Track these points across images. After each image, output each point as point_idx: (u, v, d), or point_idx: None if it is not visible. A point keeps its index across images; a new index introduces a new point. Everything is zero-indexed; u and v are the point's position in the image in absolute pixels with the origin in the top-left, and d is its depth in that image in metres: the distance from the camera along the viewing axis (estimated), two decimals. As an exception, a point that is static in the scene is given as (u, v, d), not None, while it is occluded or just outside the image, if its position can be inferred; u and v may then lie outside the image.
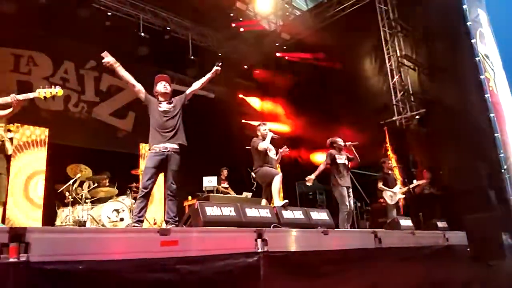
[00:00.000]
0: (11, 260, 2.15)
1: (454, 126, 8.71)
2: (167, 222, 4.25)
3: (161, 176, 4.52)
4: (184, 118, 11.25)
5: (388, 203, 7.83)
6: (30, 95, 3.81)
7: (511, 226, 7.61)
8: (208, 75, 4.80)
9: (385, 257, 4.93)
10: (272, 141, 6.10)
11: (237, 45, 12.54)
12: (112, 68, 4.39)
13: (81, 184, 7.43)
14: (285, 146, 6.33)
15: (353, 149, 6.92)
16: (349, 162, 6.91)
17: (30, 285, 2.19)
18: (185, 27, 11.48)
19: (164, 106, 4.50)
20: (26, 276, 2.18)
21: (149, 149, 4.38)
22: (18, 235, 2.21)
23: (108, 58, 4.35)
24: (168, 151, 4.30)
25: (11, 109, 3.77)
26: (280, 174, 5.79)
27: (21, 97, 3.70)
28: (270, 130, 6.14)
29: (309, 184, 6.75)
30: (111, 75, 10.44)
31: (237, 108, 13.20)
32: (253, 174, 6.21)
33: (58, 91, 3.92)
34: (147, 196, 4.26)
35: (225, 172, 9.62)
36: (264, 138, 6.04)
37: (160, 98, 4.58)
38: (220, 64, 4.79)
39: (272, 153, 6.06)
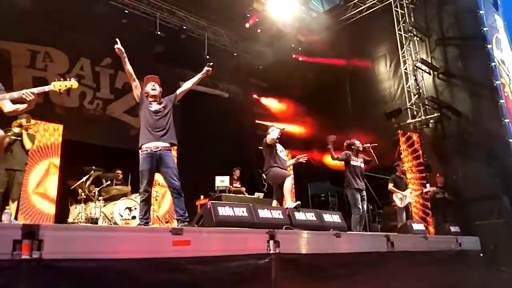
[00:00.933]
0: (24, 257, 2.14)
1: (468, 130, 8.63)
2: (178, 220, 4.25)
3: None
4: (197, 117, 11.34)
5: (398, 206, 7.76)
6: (45, 88, 3.80)
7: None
8: (199, 75, 4.83)
9: (397, 261, 4.88)
10: (284, 143, 6.07)
11: (253, 46, 12.54)
12: (122, 55, 4.47)
13: (94, 182, 7.48)
14: (305, 155, 6.30)
15: (372, 151, 6.85)
16: (365, 165, 6.85)
17: (42, 283, 2.19)
18: (202, 27, 11.54)
19: (155, 106, 4.52)
20: (38, 273, 2.17)
21: (140, 149, 4.36)
22: (31, 232, 2.20)
23: (119, 45, 4.43)
24: (159, 150, 4.29)
25: (25, 105, 3.73)
26: (292, 175, 5.75)
27: (35, 90, 3.68)
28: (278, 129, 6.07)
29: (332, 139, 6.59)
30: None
31: (250, 109, 13.22)
32: (264, 175, 6.17)
33: (73, 83, 3.89)
34: (149, 199, 4.37)
35: (237, 172, 9.63)
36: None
37: (150, 99, 4.59)
38: (211, 64, 4.77)
39: (283, 154, 6.02)
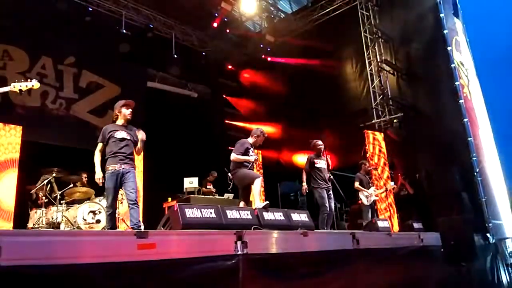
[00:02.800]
0: (-18, 264, 2.08)
1: (429, 130, 8.92)
2: (132, 228, 4.34)
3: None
4: (166, 117, 11.19)
5: (363, 204, 7.94)
6: (5, 88, 3.64)
7: (483, 227, 7.83)
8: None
9: (362, 258, 4.99)
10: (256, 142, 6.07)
11: (222, 46, 12.52)
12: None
13: (57, 185, 7.21)
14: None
15: (328, 158, 7.01)
16: (329, 165, 6.97)
17: (2, 290, 2.13)
18: (169, 26, 11.39)
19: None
20: (-2, 280, 2.11)
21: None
22: (-13, 238, 2.14)
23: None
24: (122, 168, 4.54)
25: None
26: (261, 177, 5.73)
27: None
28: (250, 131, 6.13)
29: (304, 192, 6.78)
30: (91, 71, 10.31)
31: (220, 109, 13.18)
32: (230, 174, 6.12)
33: (34, 84, 3.78)
34: (114, 214, 4.69)
35: (213, 175, 9.55)
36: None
37: (119, 122, 4.80)
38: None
39: (251, 157, 5.97)
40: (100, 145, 4.70)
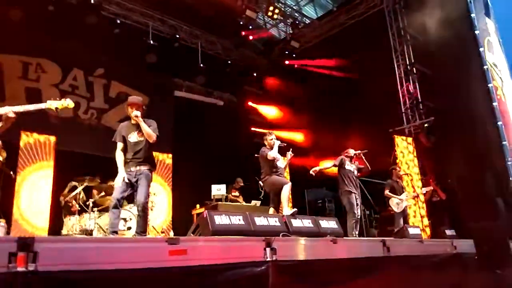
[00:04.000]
0: (19, 269, 2.14)
1: (461, 134, 8.67)
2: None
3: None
4: (192, 126, 11.34)
5: (395, 211, 7.77)
6: (41, 105, 3.77)
7: (519, 233, 7.53)
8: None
9: (393, 266, 4.87)
10: (280, 150, 6.09)
11: (247, 53, 12.60)
12: None
13: (89, 193, 7.42)
14: (290, 150, 6.31)
15: (363, 157, 6.89)
16: (359, 173, 6.89)
17: (38, 294, 2.18)
18: (195, 35, 11.57)
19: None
20: (33, 285, 2.17)
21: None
22: (26, 244, 2.21)
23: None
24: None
25: (0, 125, 3.56)
26: (289, 183, 5.77)
27: (31, 107, 3.64)
28: (277, 138, 6.14)
29: (312, 173, 6.61)
30: (120, 82, 10.58)
31: (246, 116, 13.23)
32: (260, 182, 6.19)
33: (69, 104, 3.91)
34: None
35: (239, 182, 9.59)
36: (271, 147, 6.05)
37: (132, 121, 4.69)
38: None
39: (280, 162, 6.07)
40: (120, 145, 4.66)
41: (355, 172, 6.79)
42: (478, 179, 8.30)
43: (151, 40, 10.29)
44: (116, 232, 4.38)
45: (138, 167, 4.50)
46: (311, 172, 6.62)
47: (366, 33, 10.81)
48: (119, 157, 4.60)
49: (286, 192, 5.63)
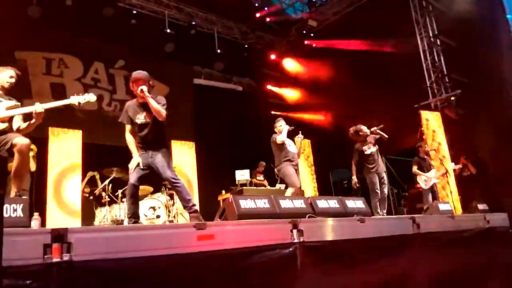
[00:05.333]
0: (55, 260, 2.20)
1: (490, 106, 8.38)
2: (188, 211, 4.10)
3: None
4: (213, 113, 11.37)
5: (423, 188, 7.63)
6: (65, 101, 3.86)
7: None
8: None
9: (424, 242, 4.79)
10: (304, 133, 6.12)
11: (264, 36, 12.47)
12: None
13: (118, 183, 7.57)
14: (300, 133, 6.34)
15: (380, 131, 6.74)
16: (378, 146, 6.76)
17: (74, 284, 2.25)
18: (211, 21, 11.51)
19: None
20: (69, 275, 2.23)
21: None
22: (60, 235, 2.26)
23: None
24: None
25: (33, 121, 3.68)
26: (294, 189, 5.91)
27: (55, 104, 3.73)
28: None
29: (355, 186, 6.73)
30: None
31: (265, 100, 13.17)
32: (276, 170, 6.30)
33: (92, 98, 3.97)
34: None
35: (262, 165, 9.61)
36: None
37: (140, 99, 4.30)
38: None
39: (291, 148, 6.15)
40: (128, 127, 4.28)
41: (374, 150, 6.66)
42: (509, 152, 8.05)
43: (168, 28, 10.32)
44: (134, 217, 4.10)
45: (150, 152, 4.15)
46: (354, 186, 6.71)
47: (386, 5, 10.46)
48: (130, 139, 4.26)
49: (288, 194, 5.84)
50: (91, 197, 7.46)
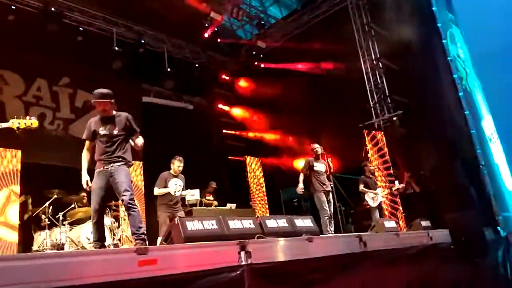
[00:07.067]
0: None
1: (430, 125, 8.82)
2: (134, 238, 4.11)
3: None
4: (163, 132, 11.17)
5: (370, 206, 7.85)
6: (3, 125, 3.65)
7: (493, 221, 7.71)
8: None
9: (371, 261, 4.87)
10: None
11: (214, 56, 12.52)
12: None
13: (59, 205, 7.16)
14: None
15: (329, 160, 7.00)
16: (330, 168, 6.95)
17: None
18: (160, 40, 11.40)
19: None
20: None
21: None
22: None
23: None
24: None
25: None
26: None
27: None
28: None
29: (300, 193, 6.80)
30: (86, 90, 10.29)
31: (217, 119, 13.15)
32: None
33: (33, 122, 3.79)
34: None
35: (213, 185, 9.48)
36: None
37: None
38: None
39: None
40: (87, 144, 4.30)
41: (324, 170, 6.84)
42: (450, 169, 8.46)
43: (116, 46, 10.08)
44: (101, 241, 4.14)
45: (112, 165, 4.11)
46: (298, 192, 6.86)
47: (332, 30, 10.93)
48: (85, 156, 4.27)
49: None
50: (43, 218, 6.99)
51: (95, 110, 4.33)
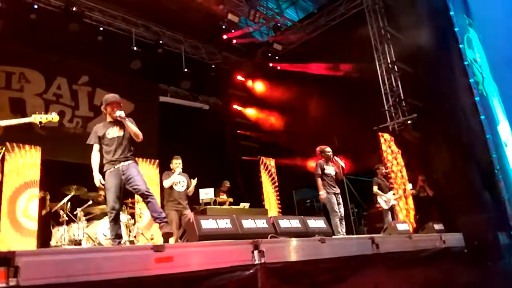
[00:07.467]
0: (0, 285, 2.10)
1: (445, 129, 8.75)
2: (156, 223, 4.32)
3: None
4: (178, 131, 11.30)
5: (383, 208, 7.85)
6: (25, 119, 3.79)
7: (507, 225, 7.63)
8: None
9: (383, 263, 4.89)
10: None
11: (230, 57, 12.62)
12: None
13: (77, 202, 7.33)
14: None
15: (340, 163, 6.99)
16: (343, 168, 6.96)
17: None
18: (178, 40, 11.55)
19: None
20: (15, 301, 2.12)
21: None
22: (6, 259, 2.15)
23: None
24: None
25: None
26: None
27: (13, 121, 3.65)
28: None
29: (323, 198, 6.77)
30: (104, 89, 10.50)
31: (232, 119, 13.25)
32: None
33: (54, 117, 3.93)
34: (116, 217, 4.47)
35: (226, 184, 9.57)
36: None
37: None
38: None
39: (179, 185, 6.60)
40: (96, 147, 4.47)
41: (333, 173, 6.86)
42: (464, 174, 8.39)
43: (134, 46, 10.25)
44: (118, 238, 4.34)
45: (122, 163, 4.30)
46: (322, 199, 6.85)
47: (348, 33, 10.92)
48: (95, 157, 4.45)
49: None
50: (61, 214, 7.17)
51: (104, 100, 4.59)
